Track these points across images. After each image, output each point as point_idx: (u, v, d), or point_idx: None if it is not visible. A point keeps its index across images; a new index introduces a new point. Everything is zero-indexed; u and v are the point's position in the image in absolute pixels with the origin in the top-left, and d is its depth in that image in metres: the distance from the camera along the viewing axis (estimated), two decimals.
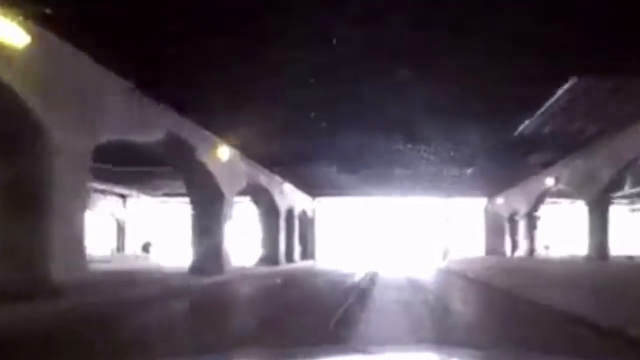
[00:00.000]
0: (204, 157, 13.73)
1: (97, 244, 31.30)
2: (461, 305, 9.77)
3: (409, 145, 16.04)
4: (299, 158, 18.65)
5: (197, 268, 14.66)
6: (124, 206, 32.00)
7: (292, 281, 15.73)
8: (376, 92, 10.51)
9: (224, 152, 14.76)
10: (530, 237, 23.93)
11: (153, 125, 11.01)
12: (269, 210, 22.21)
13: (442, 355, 2.14)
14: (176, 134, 11.80)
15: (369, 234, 34.86)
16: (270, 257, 21.99)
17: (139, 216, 32.46)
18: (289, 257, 24.54)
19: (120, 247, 32.19)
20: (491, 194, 29.74)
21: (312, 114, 12.01)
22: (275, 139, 15.05)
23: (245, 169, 17.48)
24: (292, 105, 11.33)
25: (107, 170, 22.76)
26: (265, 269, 19.54)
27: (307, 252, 30.50)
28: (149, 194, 31.79)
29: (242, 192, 22.40)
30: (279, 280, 15.48)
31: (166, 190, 29.23)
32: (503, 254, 28.68)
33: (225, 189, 15.14)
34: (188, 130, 12.58)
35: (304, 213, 29.70)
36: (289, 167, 20.95)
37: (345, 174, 20.98)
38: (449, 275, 19.11)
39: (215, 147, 14.40)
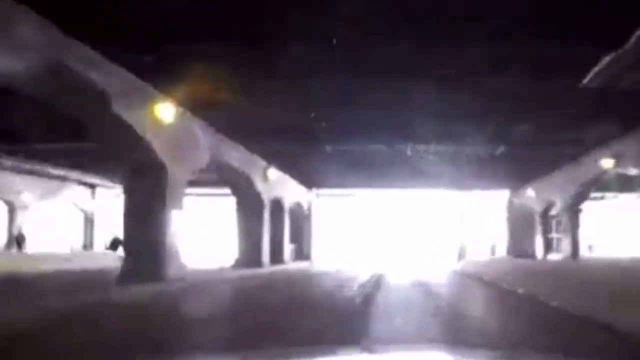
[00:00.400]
0: (128, 114, 9.41)
1: (60, 239, 27.38)
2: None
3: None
4: (291, 136, 15.23)
5: (129, 273, 10.47)
6: (93, 197, 27.93)
7: (270, 289, 11.57)
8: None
9: (168, 112, 10.56)
10: (573, 236, 19.38)
11: (17, 43, 6.76)
12: (248, 199, 17.92)
13: (449, 353, 2.06)
14: (65, 64, 7.48)
15: (374, 231, 30.74)
16: (250, 258, 17.77)
17: (110, 208, 28.31)
18: (277, 258, 20.30)
19: (88, 243, 28.11)
20: (516, 185, 25.39)
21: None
22: (260, 113, 11.87)
23: (209, 142, 13.22)
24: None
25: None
26: (239, 273, 15.34)
27: (302, 252, 26.31)
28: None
29: (219, 182, 18.41)
30: (249, 289, 11.29)
31: None
32: (532, 255, 24.23)
33: (170, 164, 10.90)
34: (94, 65, 8.25)
35: (298, 206, 25.47)
36: (279, 150, 16.94)
37: (347, 157, 17.57)
38: (467, 279, 14.81)
39: (151, 102, 10.18)
